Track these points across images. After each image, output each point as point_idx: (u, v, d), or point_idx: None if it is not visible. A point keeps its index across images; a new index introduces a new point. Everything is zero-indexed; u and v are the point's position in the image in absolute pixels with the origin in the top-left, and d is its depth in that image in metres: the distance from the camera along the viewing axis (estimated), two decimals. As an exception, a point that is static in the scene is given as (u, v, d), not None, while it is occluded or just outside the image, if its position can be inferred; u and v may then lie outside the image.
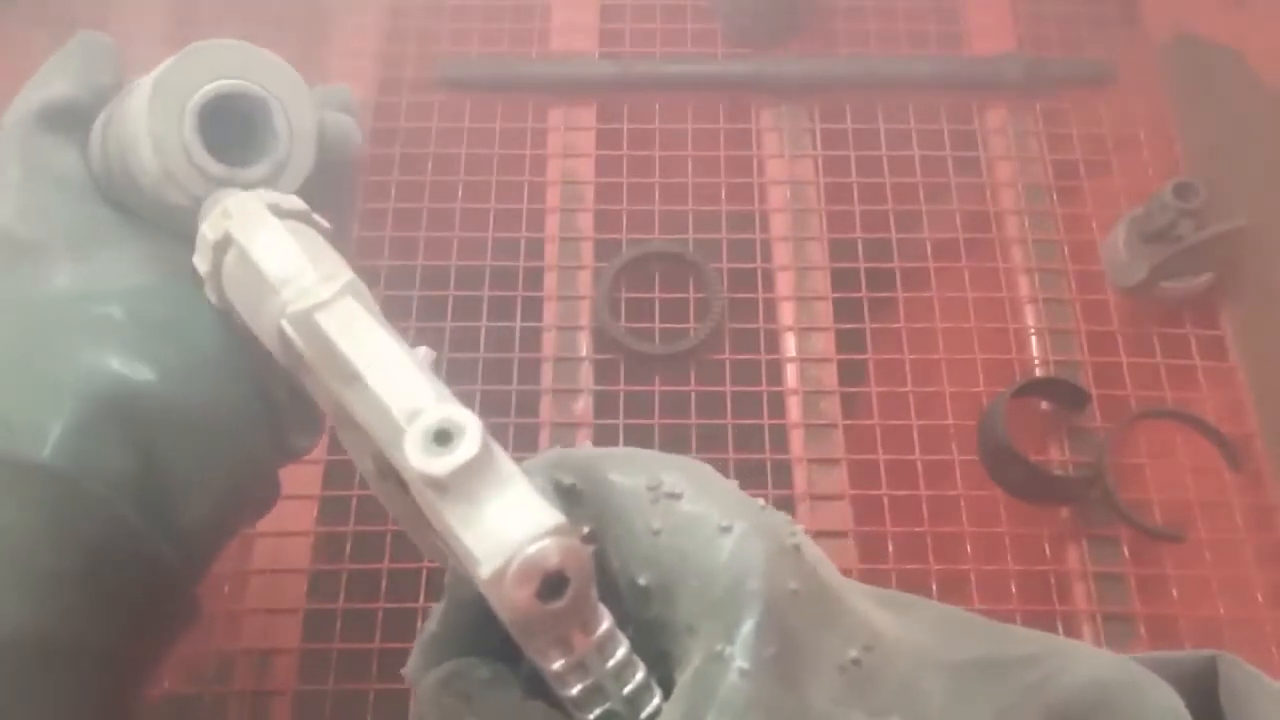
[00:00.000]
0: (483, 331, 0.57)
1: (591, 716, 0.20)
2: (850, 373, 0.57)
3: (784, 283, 0.59)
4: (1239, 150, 0.60)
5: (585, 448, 0.24)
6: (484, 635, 0.23)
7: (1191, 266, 0.57)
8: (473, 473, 0.19)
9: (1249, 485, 0.54)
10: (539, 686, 0.22)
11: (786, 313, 0.58)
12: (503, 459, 0.20)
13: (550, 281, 0.59)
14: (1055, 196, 0.62)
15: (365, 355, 0.22)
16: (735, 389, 0.56)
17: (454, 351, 0.55)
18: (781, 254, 0.60)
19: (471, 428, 0.20)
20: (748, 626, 0.20)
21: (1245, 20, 0.61)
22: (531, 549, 0.18)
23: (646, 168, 0.62)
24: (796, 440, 0.55)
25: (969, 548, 0.52)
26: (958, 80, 0.65)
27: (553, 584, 0.19)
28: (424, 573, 0.51)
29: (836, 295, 0.59)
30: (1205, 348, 0.58)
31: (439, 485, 0.19)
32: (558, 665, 0.20)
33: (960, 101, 0.65)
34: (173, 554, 0.30)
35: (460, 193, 0.61)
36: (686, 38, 0.67)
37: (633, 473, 0.22)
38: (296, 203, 0.30)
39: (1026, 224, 0.61)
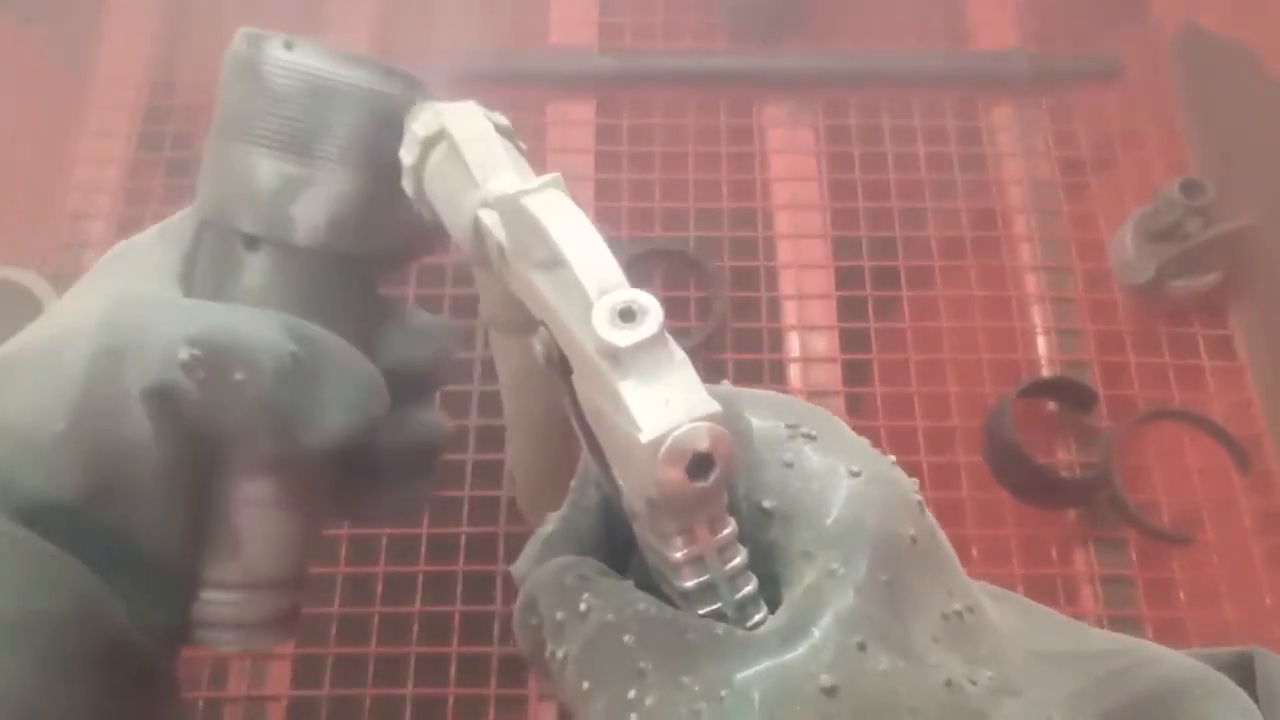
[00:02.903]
0: (481, 331, 0.56)
1: (701, 612, 0.21)
2: (854, 373, 0.56)
3: (787, 281, 0.58)
4: (1248, 147, 0.59)
5: (727, 385, 0.25)
6: (598, 543, 0.24)
7: (1199, 265, 0.56)
8: (649, 350, 0.20)
9: (1257, 487, 0.54)
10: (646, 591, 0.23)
11: (789, 312, 0.57)
12: (675, 346, 0.21)
13: (549, 280, 0.58)
14: (1062, 194, 0.61)
15: (569, 236, 0.23)
16: (737, 389, 0.55)
17: (452, 351, 0.54)
18: (784, 252, 0.59)
19: (655, 310, 0.21)
20: (864, 555, 0.21)
21: (1254, 13, 0.60)
22: (689, 427, 0.20)
23: (647, 164, 0.61)
24: (799, 441, 0.54)
25: (975, 551, 0.52)
26: (963, 76, 0.65)
27: (700, 465, 0.20)
28: (420, 577, 0.50)
29: (840, 294, 0.58)
30: (1213, 347, 0.57)
31: (617, 357, 0.20)
32: (680, 554, 0.21)
33: (965, 97, 0.64)
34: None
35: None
36: (688, 32, 0.66)
37: (772, 412, 0.24)
38: (503, 120, 0.31)
39: (1033, 222, 0.60)
